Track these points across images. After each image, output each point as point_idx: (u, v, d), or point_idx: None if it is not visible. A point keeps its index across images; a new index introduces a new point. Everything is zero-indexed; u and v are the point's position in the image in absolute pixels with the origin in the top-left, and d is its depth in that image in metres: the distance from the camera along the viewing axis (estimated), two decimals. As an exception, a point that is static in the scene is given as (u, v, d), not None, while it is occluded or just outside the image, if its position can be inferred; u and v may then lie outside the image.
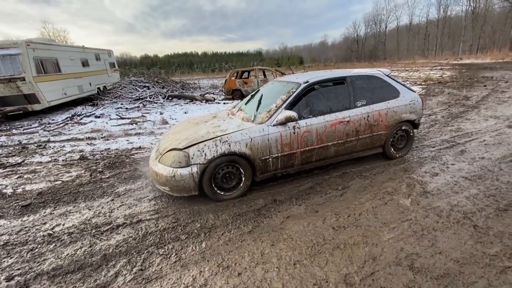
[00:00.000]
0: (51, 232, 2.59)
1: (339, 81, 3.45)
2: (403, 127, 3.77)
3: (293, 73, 11.53)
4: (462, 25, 47.65)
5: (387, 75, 3.80)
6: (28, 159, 4.86)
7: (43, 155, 5.07)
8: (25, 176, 4.07)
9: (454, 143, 4.33)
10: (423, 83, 12.69)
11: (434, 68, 22.41)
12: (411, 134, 3.87)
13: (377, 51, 62.00)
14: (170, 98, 12.33)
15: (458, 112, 6.46)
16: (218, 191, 2.94)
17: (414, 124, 3.89)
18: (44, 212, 2.98)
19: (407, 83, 12.51)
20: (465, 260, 1.92)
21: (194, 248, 2.25)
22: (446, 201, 2.70)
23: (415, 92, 3.91)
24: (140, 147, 5.27)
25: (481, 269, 1.83)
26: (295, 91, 3.20)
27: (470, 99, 7.95)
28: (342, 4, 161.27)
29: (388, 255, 2.02)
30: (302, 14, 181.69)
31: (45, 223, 2.75)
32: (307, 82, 3.28)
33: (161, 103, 11.34)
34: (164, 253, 2.20)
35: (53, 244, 2.40)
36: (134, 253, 2.21)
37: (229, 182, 2.98)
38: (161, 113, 9.05)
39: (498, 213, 2.45)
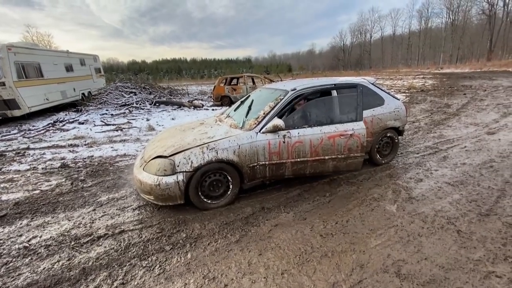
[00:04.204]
0: (27, 244, 2.44)
1: (326, 89, 3.48)
2: (388, 134, 3.85)
3: (281, 80, 11.65)
4: (442, 36, 50.01)
5: (372, 83, 3.89)
6: (5, 167, 4.63)
7: (22, 163, 4.84)
8: (1, 185, 3.85)
9: (437, 150, 4.45)
10: (406, 91, 13.11)
11: (416, 76, 23.24)
12: (396, 140, 3.95)
13: (362, 60, 63.88)
14: (157, 104, 12.17)
15: (440, 119, 6.68)
16: (205, 200, 2.88)
17: (399, 131, 3.98)
18: (21, 224, 2.82)
19: (392, 91, 12.88)
20: (450, 266, 1.94)
21: (179, 259, 2.17)
22: (431, 206, 2.75)
23: (399, 100, 4.02)
24: (125, 154, 5.13)
25: (466, 275, 1.86)
26: (282, 98, 3.21)
27: (451, 107, 8.25)
28: (329, 14, 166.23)
29: (376, 262, 2.02)
30: (290, 23, 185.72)
31: (21, 235, 2.60)
32: (295, 89, 3.30)
33: (148, 109, 11.16)
34: (148, 265, 2.12)
35: (29, 258, 2.26)
36: (116, 266, 2.11)
37: (216, 190, 2.92)
38: (147, 120, 8.89)
39: (480, 218, 2.51)
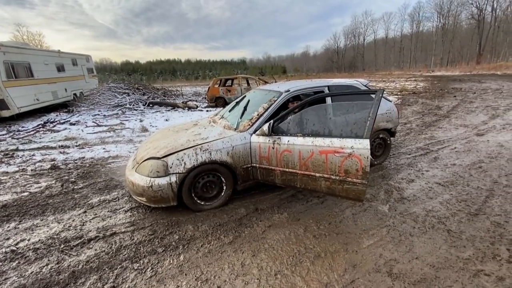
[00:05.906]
0: (14, 248, 2.38)
1: (319, 90, 3.51)
2: (381, 135, 3.89)
3: (276, 82, 11.69)
4: (433, 40, 50.99)
5: (365, 85, 3.94)
6: (-8, 169, 4.52)
7: (10, 165, 4.73)
8: (-12, 188, 3.76)
9: (428, 151, 4.52)
10: (398, 93, 13.29)
11: (408, 79, 23.60)
12: (388, 142, 4.00)
13: (356, 62, 64.62)
14: (151, 105, 12.07)
15: (431, 121, 6.79)
16: (198, 201, 2.86)
17: (391, 133, 4.03)
18: (8, 227, 2.75)
19: (384, 93, 13.02)
20: (440, 265, 1.97)
21: (171, 261, 2.15)
22: (422, 206, 2.79)
23: (391, 101, 4.07)
24: (117, 156, 5.06)
25: (456, 273, 1.89)
26: (276, 100, 3.21)
27: (441, 109, 8.40)
28: (322, 17, 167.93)
29: (368, 262, 2.03)
30: (285, 26, 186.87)
31: (8, 239, 2.54)
32: (288, 91, 3.31)
33: (142, 110, 11.06)
34: (139, 267, 2.09)
35: (16, 262, 2.21)
36: (106, 269, 2.08)
37: (210, 192, 2.91)
38: (141, 121, 8.80)
39: (470, 217, 2.55)
